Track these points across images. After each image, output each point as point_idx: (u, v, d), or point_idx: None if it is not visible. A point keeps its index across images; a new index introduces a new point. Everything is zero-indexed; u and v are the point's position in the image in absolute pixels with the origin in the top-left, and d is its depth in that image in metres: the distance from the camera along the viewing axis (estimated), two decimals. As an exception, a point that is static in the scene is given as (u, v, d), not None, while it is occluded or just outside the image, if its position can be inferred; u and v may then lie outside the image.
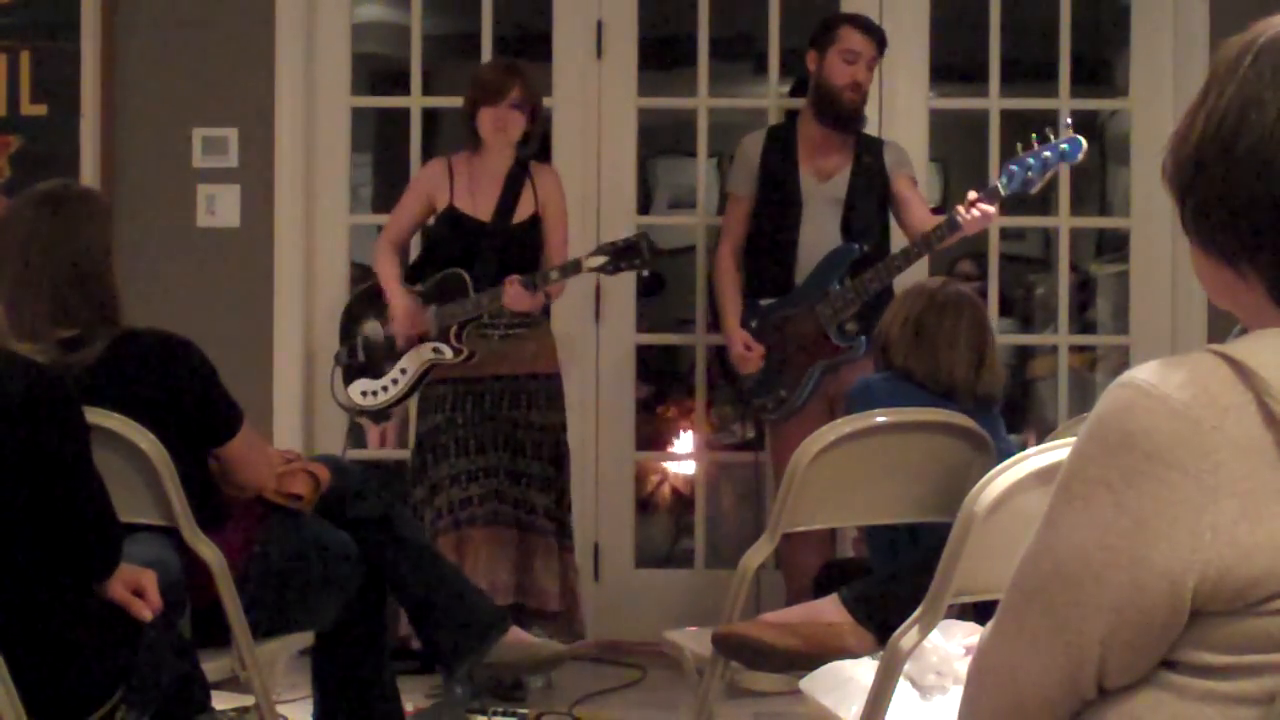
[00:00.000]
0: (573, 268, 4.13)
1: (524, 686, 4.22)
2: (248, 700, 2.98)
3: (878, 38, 4.36)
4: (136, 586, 2.41)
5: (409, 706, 3.44)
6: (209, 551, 2.79)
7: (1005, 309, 5.74)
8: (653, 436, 6.26)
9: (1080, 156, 3.86)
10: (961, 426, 2.94)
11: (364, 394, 4.33)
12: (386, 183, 6.55)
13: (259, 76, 4.81)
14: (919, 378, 3.32)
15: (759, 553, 2.80)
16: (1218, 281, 1.23)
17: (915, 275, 4.22)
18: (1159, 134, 4.42)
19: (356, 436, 5.21)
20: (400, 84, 5.16)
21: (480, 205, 4.28)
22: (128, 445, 2.70)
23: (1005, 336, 5.57)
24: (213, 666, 2.77)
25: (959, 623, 2.45)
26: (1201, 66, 4.34)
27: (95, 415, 2.52)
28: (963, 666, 2.23)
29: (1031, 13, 5.16)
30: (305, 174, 4.87)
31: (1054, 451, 1.85)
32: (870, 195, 4.36)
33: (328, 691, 3.20)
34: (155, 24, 4.80)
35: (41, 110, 4.74)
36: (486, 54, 4.87)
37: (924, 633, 2.07)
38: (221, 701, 2.90)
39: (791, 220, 4.36)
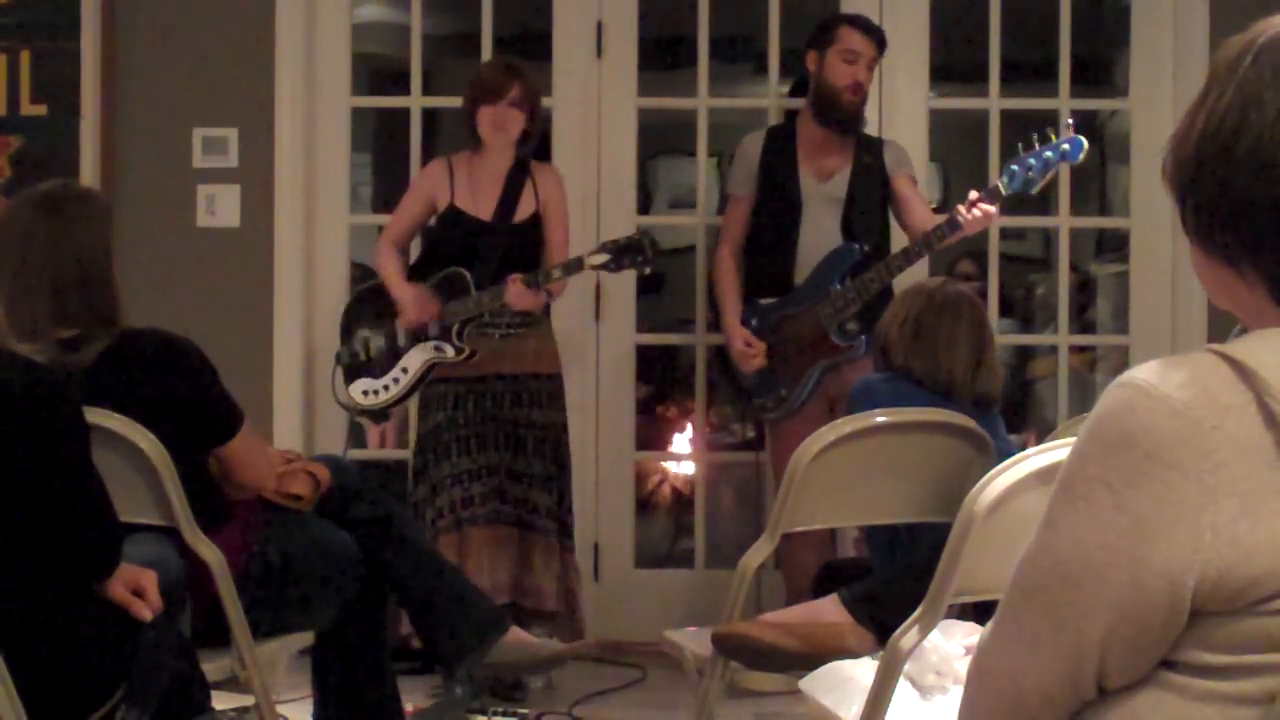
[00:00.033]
0: (575, 265, 4.13)
1: (524, 686, 4.22)
2: (248, 700, 2.98)
3: (877, 38, 4.36)
4: (136, 586, 2.41)
5: (409, 706, 3.44)
6: (209, 551, 2.79)
7: (1005, 309, 5.73)
8: (653, 436, 6.26)
9: (1081, 156, 3.86)
10: (961, 426, 2.94)
11: (365, 393, 4.33)
12: (386, 183, 6.55)
13: (259, 76, 4.81)
14: (919, 377, 3.32)
15: (759, 553, 2.80)
16: (1218, 281, 1.23)
17: (915, 275, 4.22)
18: (1159, 134, 4.43)
19: (356, 436, 5.21)
20: (400, 84, 5.16)
21: (481, 204, 4.29)
22: (128, 445, 2.70)
23: (1005, 336, 5.57)
24: (213, 666, 2.77)
25: (959, 623, 2.45)
26: (1201, 66, 4.33)
27: (95, 415, 2.52)
28: (963, 666, 2.23)
29: (1031, 13, 5.16)
30: (305, 174, 4.87)
31: (1054, 451, 1.85)
32: (870, 195, 4.36)
33: (328, 691, 3.20)
34: (155, 24, 4.81)
35: (41, 110, 4.74)
36: (486, 54, 4.87)
37: (924, 633, 2.07)
38: (221, 701, 2.90)
39: (791, 220, 4.35)
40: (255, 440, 3.05)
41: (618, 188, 4.93)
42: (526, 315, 4.25)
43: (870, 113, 4.57)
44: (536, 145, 4.41)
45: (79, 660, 2.32)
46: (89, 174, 4.68)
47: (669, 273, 6.50)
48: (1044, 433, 4.92)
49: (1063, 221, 5.03)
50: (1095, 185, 7.30)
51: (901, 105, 4.88)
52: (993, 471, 1.91)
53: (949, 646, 2.35)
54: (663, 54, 6.16)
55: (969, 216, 3.92)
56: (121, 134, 4.78)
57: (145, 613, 2.39)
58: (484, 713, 3.92)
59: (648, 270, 4.16)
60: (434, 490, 4.22)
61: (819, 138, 4.39)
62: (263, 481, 3.04)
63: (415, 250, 4.60)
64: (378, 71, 6.59)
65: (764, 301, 4.36)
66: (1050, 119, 4.37)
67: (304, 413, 4.84)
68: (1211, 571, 1.11)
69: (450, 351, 4.24)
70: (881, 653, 2.15)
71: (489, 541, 4.19)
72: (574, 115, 4.91)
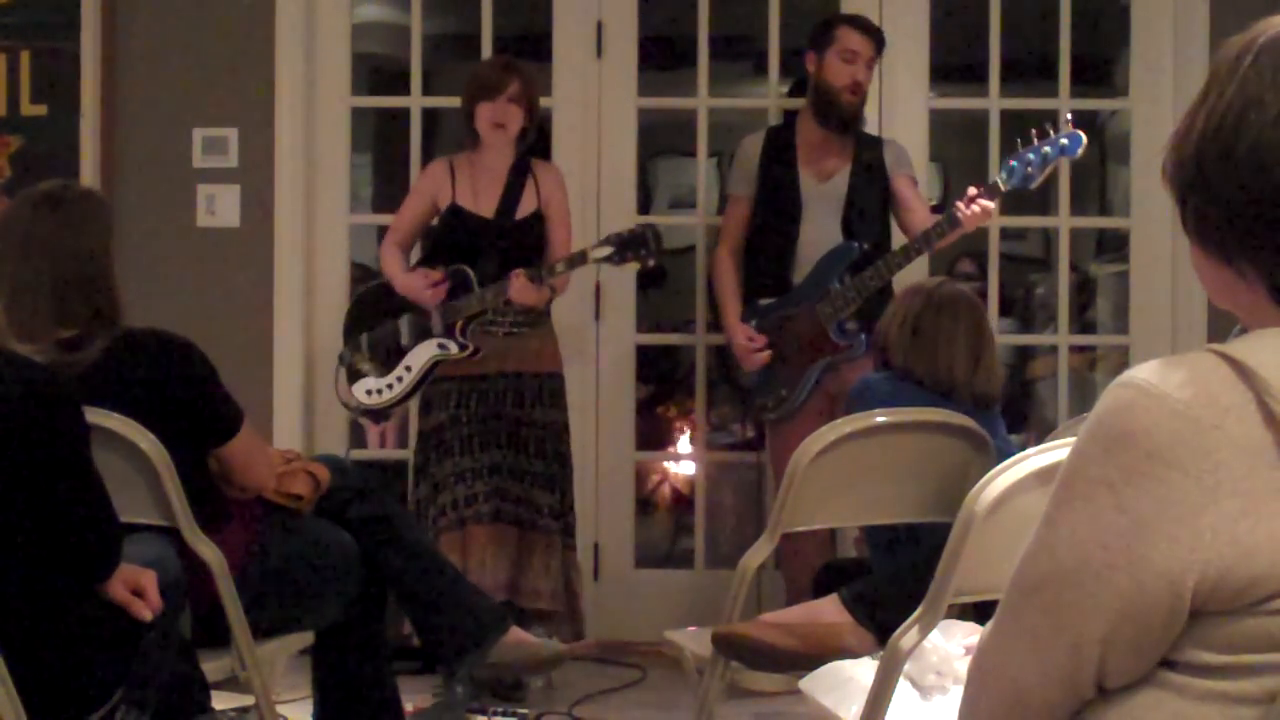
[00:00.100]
0: (579, 259, 4.13)
1: (524, 686, 4.22)
2: (248, 700, 2.98)
3: (876, 38, 4.36)
4: (136, 586, 2.41)
5: (409, 706, 3.43)
6: (209, 551, 2.79)
7: (1005, 309, 5.73)
8: (653, 436, 6.26)
9: (1080, 151, 3.86)
10: (961, 426, 2.94)
11: (369, 392, 4.33)
12: (386, 183, 6.55)
13: (259, 76, 4.81)
14: (918, 377, 3.32)
15: (759, 553, 2.80)
16: (1218, 281, 1.23)
17: (915, 274, 4.22)
18: (1159, 134, 4.43)
19: (357, 436, 5.21)
20: (400, 84, 5.16)
21: (483, 202, 4.29)
22: (128, 445, 2.70)
23: (1005, 336, 5.56)
24: (213, 666, 2.78)
25: (959, 623, 2.45)
26: (1201, 66, 4.35)
27: (95, 415, 2.52)
28: (963, 666, 2.23)
29: (1031, 13, 5.15)
30: (305, 174, 4.87)
31: (1054, 451, 1.85)
32: (870, 195, 4.36)
33: (328, 691, 3.20)
34: (155, 24, 4.81)
35: (41, 110, 4.74)
36: (486, 54, 4.86)
37: (924, 633, 2.07)
38: (221, 701, 2.91)
39: (791, 221, 4.35)
40: (255, 440, 3.05)
41: (618, 188, 4.93)
42: (529, 314, 4.25)
43: (870, 112, 4.57)
44: (537, 145, 4.41)
45: (79, 660, 2.32)
46: (89, 174, 4.68)
47: (669, 273, 6.50)
48: (1044, 433, 4.92)
49: (1063, 221, 5.03)
50: (1095, 185, 7.29)
51: (901, 105, 4.88)
52: (993, 471, 1.92)
53: (949, 646, 2.35)
54: (663, 54, 6.15)
55: (968, 212, 3.92)
56: (121, 134, 4.78)
57: (145, 613, 2.39)
58: (484, 713, 3.92)
59: (651, 263, 4.13)
60: (436, 488, 4.22)
61: (818, 138, 4.39)
62: (263, 481, 3.04)
63: (416, 251, 4.61)
64: (378, 71, 6.59)
65: (763, 302, 4.36)
66: (1050, 119, 4.35)
67: (304, 413, 4.84)
68: (1212, 571, 1.11)
69: (454, 349, 4.24)
70: (881, 653, 2.15)
71: (491, 540, 4.19)
72: (574, 115, 4.91)
